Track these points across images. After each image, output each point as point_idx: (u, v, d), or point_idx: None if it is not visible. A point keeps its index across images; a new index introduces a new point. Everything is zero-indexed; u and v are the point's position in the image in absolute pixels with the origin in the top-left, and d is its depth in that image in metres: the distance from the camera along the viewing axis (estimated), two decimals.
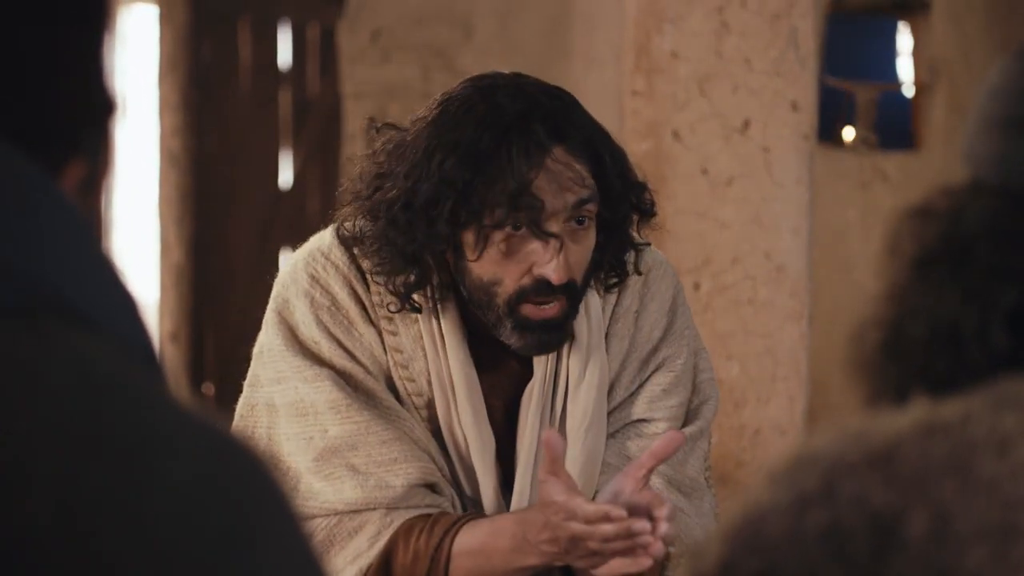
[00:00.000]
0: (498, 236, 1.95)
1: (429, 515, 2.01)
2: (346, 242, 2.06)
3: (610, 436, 2.12)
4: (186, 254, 6.85)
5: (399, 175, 1.98)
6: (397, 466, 2.01)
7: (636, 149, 3.55)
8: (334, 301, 2.04)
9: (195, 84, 6.87)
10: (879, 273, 0.93)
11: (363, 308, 2.05)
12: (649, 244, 2.12)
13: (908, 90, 6.72)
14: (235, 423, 2.12)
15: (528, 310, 1.97)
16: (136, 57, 6.82)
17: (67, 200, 0.81)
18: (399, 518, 2.01)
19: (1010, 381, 0.83)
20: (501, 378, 2.10)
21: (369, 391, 2.03)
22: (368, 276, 2.04)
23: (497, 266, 1.97)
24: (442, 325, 2.05)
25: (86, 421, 0.74)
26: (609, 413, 2.12)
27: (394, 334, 2.05)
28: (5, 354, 0.75)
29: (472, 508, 2.07)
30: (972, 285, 0.88)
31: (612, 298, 2.13)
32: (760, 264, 3.60)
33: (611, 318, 2.13)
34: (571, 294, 1.98)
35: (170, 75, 6.83)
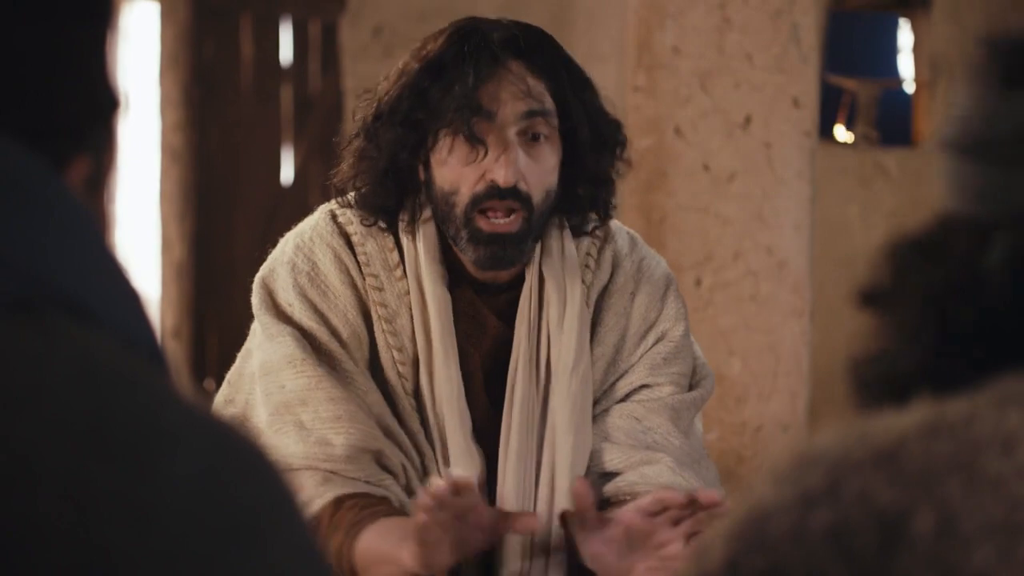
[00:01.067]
0: (450, 140, 2.02)
1: (347, 496, 2.01)
2: (333, 214, 2.14)
3: (616, 402, 2.15)
4: (187, 250, 6.85)
5: (379, 95, 2.08)
6: (340, 424, 2.03)
7: (638, 145, 3.55)
8: (314, 266, 2.11)
9: (196, 80, 6.87)
10: (872, 311, 0.93)
11: (346, 272, 2.10)
12: (620, 176, 2.16)
13: (909, 87, 6.72)
14: (221, 389, 2.17)
15: (482, 222, 2.03)
16: (137, 53, 6.82)
17: (71, 197, 0.81)
18: (332, 489, 2.01)
19: (1014, 380, 0.83)
20: (478, 329, 2.14)
21: (330, 353, 2.08)
22: (353, 240, 2.12)
23: (454, 174, 2.03)
24: (420, 259, 2.10)
25: (90, 417, 0.74)
26: (613, 384, 2.16)
27: (379, 289, 2.10)
28: (9, 350, 0.75)
29: (442, 459, 2.08)
30: (985, 315, 0.88)
31: (604, 275, 2.17)
32: (762, 260, 3.60)
33: (604, 293, 2.17)
34: (525, 206, 2.03)
35: (171, 71, 6.83)
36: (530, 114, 2.02)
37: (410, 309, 2.10)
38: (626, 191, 3.60)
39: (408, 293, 2.10)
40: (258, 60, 6.95)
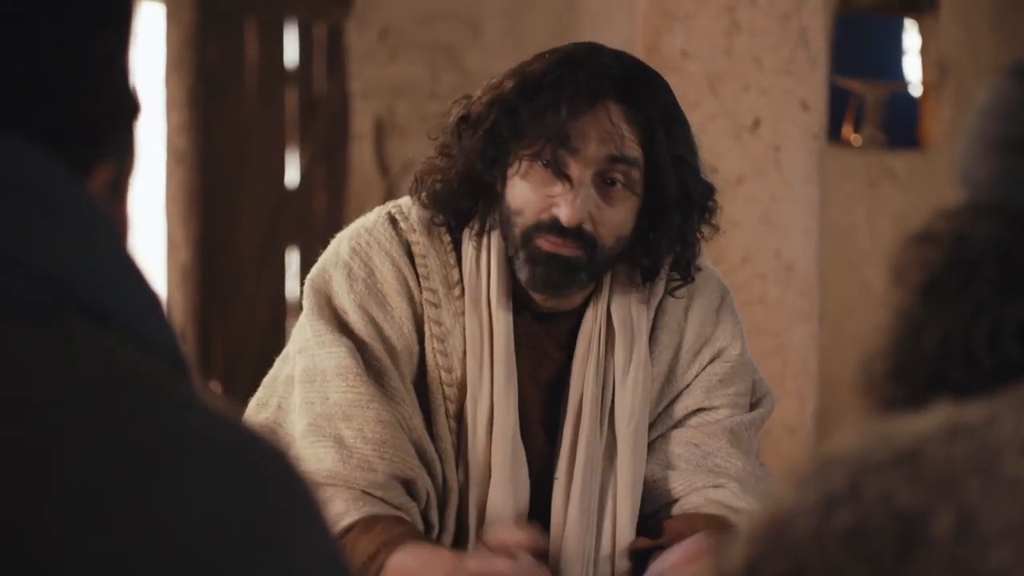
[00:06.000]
0: (528, 163, 1.99)
1: (383, 516, 1.98)
2: (393, 219, 2.09)
3: (673, 427, 2.12)
4: (192, 253, 6.84)
5: (473, 99, 2.05)
6: (384, 449, 1.99)
7: None
8: (371, 273, 2.06)
9: (201, 83, 6.87)
10: (885, 303, 0.94)
11: (404, 283, 2.06)
12: (717, 229, 2.12)
13: (916, 89, 6.71)
14: (256, 394, 2.12)
15: (540, 242, 2.00)
16: (142, 56, 6.83)
17: (93, 202, 0.82)
18: (368, 507, 1.97)
19: None
20: (538, 359, 2.10)
21: (381, 370, 2.03)
22: (414, 249, 2.07)
23: (524, 197, 2.00)
24: (492, 283, 2.06)
25: (112, 422, 0.74)
26: (669, 405, 2.13)
27: (436, 306, 2.06)
28: (32, 355, 0.76)
29: (474, 487, 2.05)
30: (982, 301, 0.88)
31: (658, 292, 2.13)
32: (770, 263, 3.59)
33: (658, 310, 2.13)
34: (587, 245, 1.99)
35: (176, 73, 6.82)
36: (611, 159, 1.98)
37: (463, 330, 2.06)
38: None
39: (463, 313, 2.06)
40: (263, 62, 6.95)
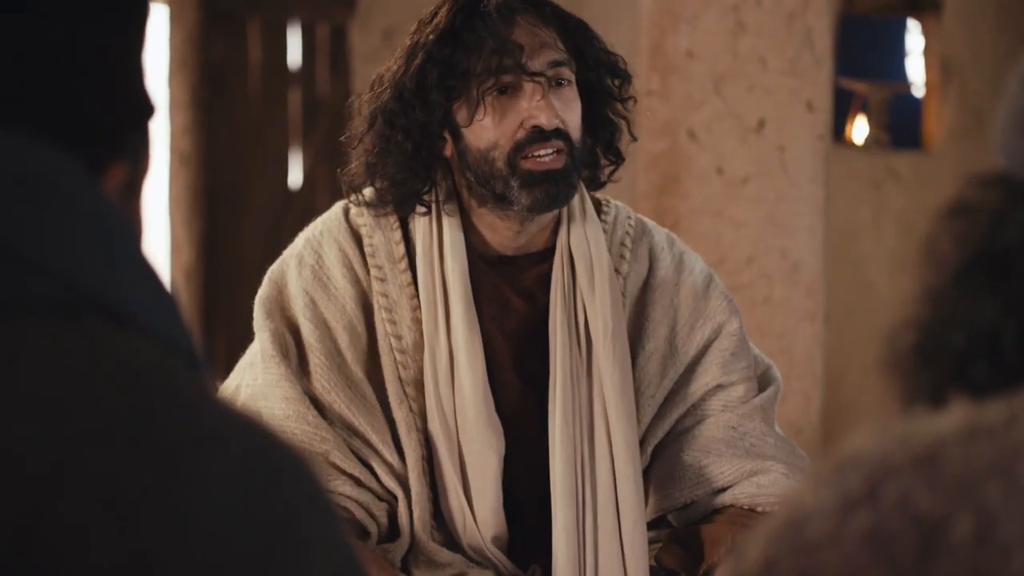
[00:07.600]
0: (488, 98, 2.05)
1: None
2: (347, 209, 2.19)
3: (694, 405, 2.18)
4: (196, 254, 6.85)
5: (386, 83, 2.10)
6: (287, 423, 2.08)
7: (651, 148, 3.55)
8: (319, 259, 2.17)
9: (205, 83, 6.87)
10: (915, 274, 0.93)
11: (349, 267, 2.16)
12: (635, 100, 2.21)
13: (919, 90, 6.71)
14: (228, 379, 2.25)
15: (530, 164, 2.06)
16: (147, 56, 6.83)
17: (109, 202, 0.82)
18: None
19: None
20: (503, 311, 2.16)
21: (309, 347, 2.13)
22: (362, 231, 2.17)
23: (491, 130, 2.06)
24: (444, 239, 2.13)
25: (129, 420, 0.74)
26: (685, 384, 2.19)
27: (382, 280, 2.15)
28: (49, 354, 0.76)
29: (448, 441, 2.11)
30: (1012, 294, 0.87)
31: (642, 268, 2.21)
32: (775, 263, 3.60)
33: (646, 287, 2.20)
34: (568, 144, 2.07)
35: (180, 74, 6.83)
36: (555, 63, 2.07)
37: (411, 300, 2.14)
38: (639, 194, 3.61)
39: (410, 284, 2.14)
40: (267, 63, 6.96)
